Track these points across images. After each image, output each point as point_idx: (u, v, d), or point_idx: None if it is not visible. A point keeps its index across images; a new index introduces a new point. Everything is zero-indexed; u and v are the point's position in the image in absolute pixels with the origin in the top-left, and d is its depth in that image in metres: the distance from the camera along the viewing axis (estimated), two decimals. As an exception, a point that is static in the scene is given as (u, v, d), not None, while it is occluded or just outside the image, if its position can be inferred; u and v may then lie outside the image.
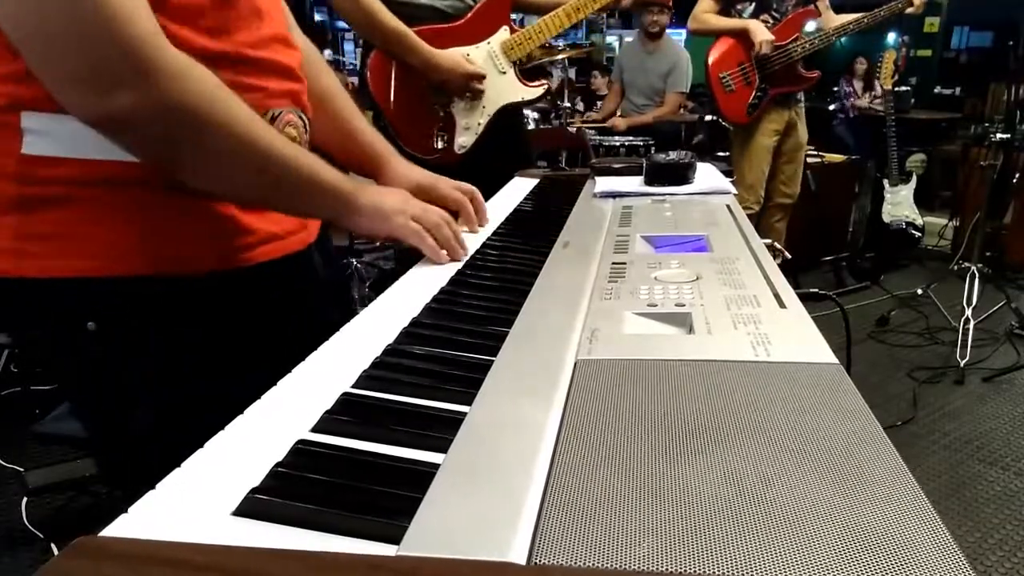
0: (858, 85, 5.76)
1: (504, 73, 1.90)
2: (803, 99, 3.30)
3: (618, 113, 4.55)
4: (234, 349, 0.75)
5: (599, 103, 5.39)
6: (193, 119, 0.70)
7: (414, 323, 0.74)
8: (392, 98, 1.84)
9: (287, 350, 0.69)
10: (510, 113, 1.96)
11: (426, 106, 1.86)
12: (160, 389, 0.81)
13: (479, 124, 1.91)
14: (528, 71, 2.03)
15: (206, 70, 0.71)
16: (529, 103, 2.03)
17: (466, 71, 1.83)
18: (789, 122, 3.22)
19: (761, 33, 3.02)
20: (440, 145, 1.88)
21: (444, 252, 0.95)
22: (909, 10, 3.00)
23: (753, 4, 3.12)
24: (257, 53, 0.84)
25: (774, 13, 3.08)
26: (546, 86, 2.03)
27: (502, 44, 1.88)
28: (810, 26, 3.13)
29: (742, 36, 3.08)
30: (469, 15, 1.88)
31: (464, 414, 0.53)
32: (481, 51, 1.87)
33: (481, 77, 1.86)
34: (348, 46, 7.56)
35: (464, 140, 1.90)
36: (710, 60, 3.14)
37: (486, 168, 1.66)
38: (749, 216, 3.34)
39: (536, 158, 3.97)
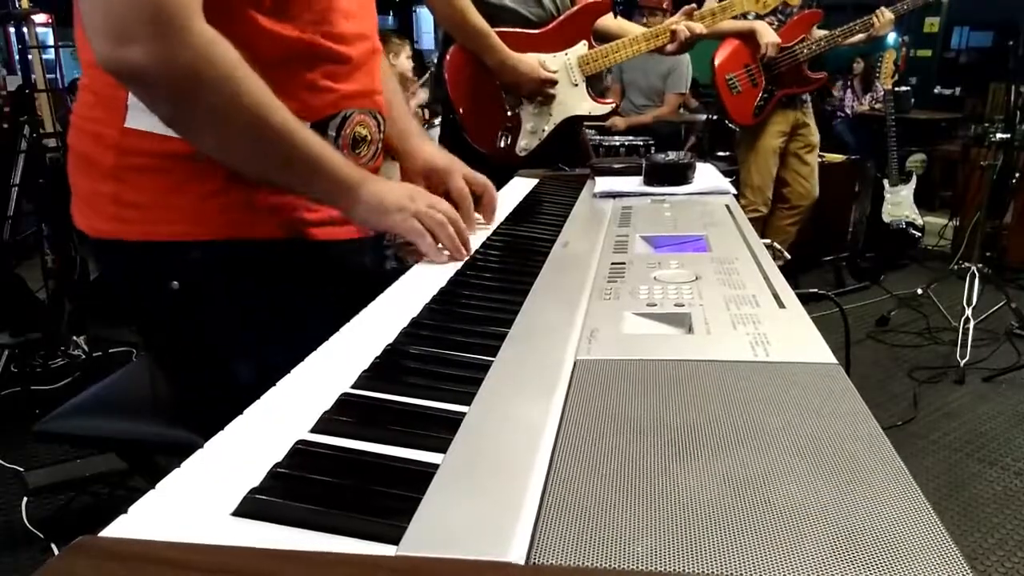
0: (857, 86, 5.76)
1: (576, 85, 1.93)
2: (809, 99, 3.30)
3: (618, 113, 4.54)
4: (296, 315, 0.80)
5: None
6: (204, 86, 0.75)
7: (414, 323, 0.74)
8: (465, 92, 1.87)
9: (335, 327, 0.75)
10: (572, 124, 1.99)
11: (496, 104, 1.89)
12: (235, 346, 0.89)
13: (544, 130, 1.93)
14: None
15: (231, 48, 0.77)
16: (596, 118, 2.05)
17: (540, 76, 1.86)
18: (796, 122, 3.22)
19: (767, 35, 3.02)
20: (503, 144, 1.90)
21: (445, 252, 0.95)
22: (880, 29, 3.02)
23: None
24: (340, 47, 0.91)
25: (779, 15, 3.09)
26: (614, 104, 2.05)
27: (579, 58, 1.91)
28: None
29: (748, 38, 3.08)
30: (552, 24, 1.91)
31: (463, 414, 0.53)
32: (558, 61, 1.90)
33: (554, 82, 1.88)
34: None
35: (527, 143, 1.92)
36: (716, 62, 3.14)
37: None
38: (755, 219, 3.33)
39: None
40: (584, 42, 1.91)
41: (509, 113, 1.90)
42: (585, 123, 2.12)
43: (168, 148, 0.83)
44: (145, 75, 0.73)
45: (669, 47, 1.94)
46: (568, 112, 1.94)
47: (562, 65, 1.91)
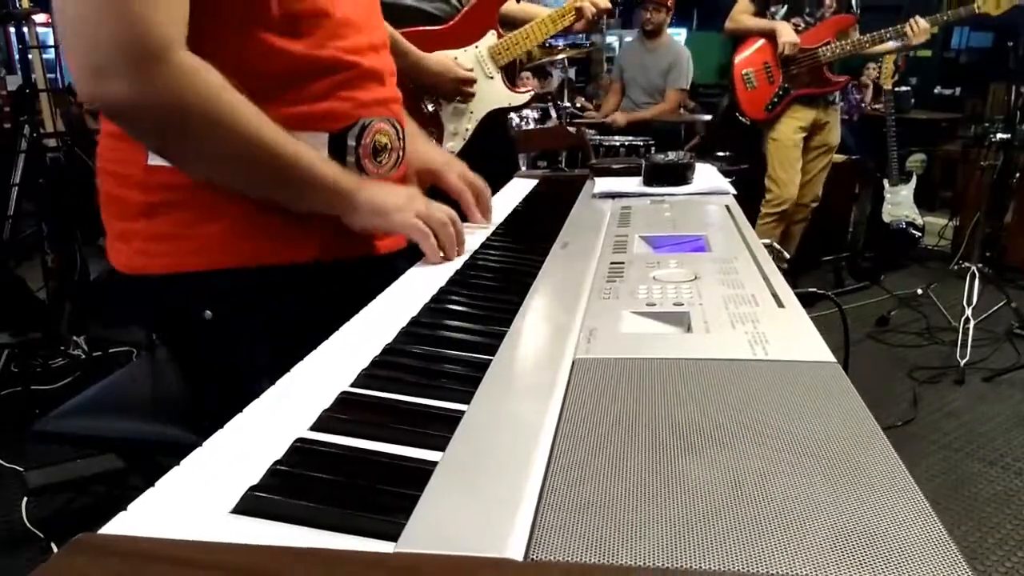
0: (868, 93, 5.72)
1: (491, 78, 1.89)
2: (837, 100, 3.30)
3: (618, 111, 4.54)
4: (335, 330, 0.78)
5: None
6: (190, 115, 0.75)
7: (413, 322, 0.74)
8: None
9: None
10: (494, 117, 1.95)
11: (413, 110, 1.84)
12: (273, 372, 0.85)
13: (467, 130, 1.89)
14: (512, 73, 2.02)
15: (214, 73, 0.76)
16: (516, 108, 2.02)
17: (457, 75, 1.81)
18: (816, 121, 3.24)
19: (786, 35, 3.07)
20: None
21: (442, 253, 0.95)
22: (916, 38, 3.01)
23: (785, 7, 3.15)
24: (351, 58, 0.91)
25: (807, 18, 3.12)
26: (532, 92, 2.03)
27: (490, 49, 1.87)
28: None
29: (770, 37, 3.13)
30: (457, 19, 1.86)
31: (462, 412, 0.53)
32: (469, 55, 1.86)
33: (472, 81, 1.84)
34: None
35: (452, 145, 1.88)
36: (736, 58, 3.21)
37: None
38: (779, 215, 3.33)
39: (536, 158, 3.97)
40: (492, 32, 1.87)
41: (429, 118, 1.84)
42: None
43: (191, 181, 0.84)
44: (129, 109, 0.74)
45: (577, 25, 1.92)
46: (488, 107, 1.90)
47: (474, 59, 1.86)
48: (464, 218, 1.14)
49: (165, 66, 0.72)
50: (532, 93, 2.01)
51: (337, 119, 0.91)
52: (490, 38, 1.87)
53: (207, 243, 0.86)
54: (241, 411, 0.56)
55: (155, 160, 0.83)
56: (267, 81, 0.84)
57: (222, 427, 0.53)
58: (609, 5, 1.94)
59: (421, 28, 1.81)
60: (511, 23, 1.96)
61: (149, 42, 0.71)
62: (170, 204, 0.85)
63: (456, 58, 1.84)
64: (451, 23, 1.86)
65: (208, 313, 0.88)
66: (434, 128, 1.86)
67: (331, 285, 0.92)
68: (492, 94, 1.90)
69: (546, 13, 1.96)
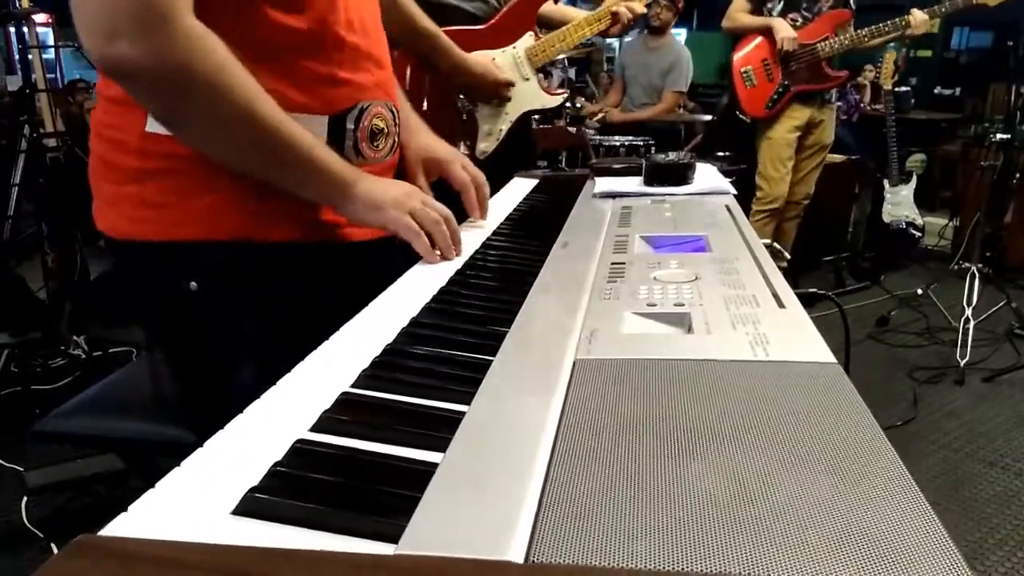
0: (866, 93, 5.71)
1: (528, 80, 1.88)
2: (833, 99, 3.30)
3: (618, 109, 4.54)
4: (319, 316, 0.78)
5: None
6: (194, 81, 0.76)
7: (413, 323, 0.74)
8: (414, 100, 1.82)
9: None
10: (524, 119, 1.95)
11: (450, 110, 1.83)
12: (256, 347, 0.88)
13: (501, 130, 1.89)
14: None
15: (220, 43, 0.77)
16: (549, 110, 2.01)
17: (497, 78, 1.80)
18: (811, 120, 3.24)
19: (784, 31, 3.07)
20: (463, 150, 1.85)
21: (437, 252, 0.95)
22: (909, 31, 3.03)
23: (782, 3, 3.15)
24: (349, 36, 0.92)
25: (804, 13, 3.12)
26: (567, 94, 2.03)
27: (527, 50, 1.86)
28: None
29: (768, 34, 3.13)
30: (496, 19, 1.86)
31: (463, 413, 0.53)
32: (507, 56, 1.86)
33: (511, 85, 1.83)
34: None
35: (486, 146, 1.88)
36: (735, 56, 3.21)
37: (494, 170, 1.66)
38: (770, 212, 3.33)
39: (536, 158, 3.96)
40: (530, 33, 1.87)
41: (464, 117, 1.84)
42: (585, 124, 2.10)
43: (187, 151, 0.84)
44: (135, 70, 0.74)
45: (613, 29, 1.93)
46: (523, 108, 1.90)
47: (511, 60, 1.86)
48: (462, 215, 1.14)
49: (173, 30, 0.73)
50: (566, 95, 2.02)
51: (337, 101, 0.92)
52: (527, 39, 1.86)
53: (196, 214, 0.86)
54: (221, 395, 0.56)
55: (153, 127, 0.84)
56: (268, 58, 0.84)
57: (222, 427, 0.53)
58: (644, 11, 1.96)
59: (460, 27, 1.80)
60: (546, 24, 1.96)
61: (159, 6, 0.72)
62: (163, 172, 0.86)
63: (494, 59, 1.83)
64: (490, 23, 1.85)
65: (193, 284, 0.88)
66: (468, 129, 1.86)
67: (318, 268, 0.93)
68: (528, 96, 1.89)
69: (582, 16, 1.95)
